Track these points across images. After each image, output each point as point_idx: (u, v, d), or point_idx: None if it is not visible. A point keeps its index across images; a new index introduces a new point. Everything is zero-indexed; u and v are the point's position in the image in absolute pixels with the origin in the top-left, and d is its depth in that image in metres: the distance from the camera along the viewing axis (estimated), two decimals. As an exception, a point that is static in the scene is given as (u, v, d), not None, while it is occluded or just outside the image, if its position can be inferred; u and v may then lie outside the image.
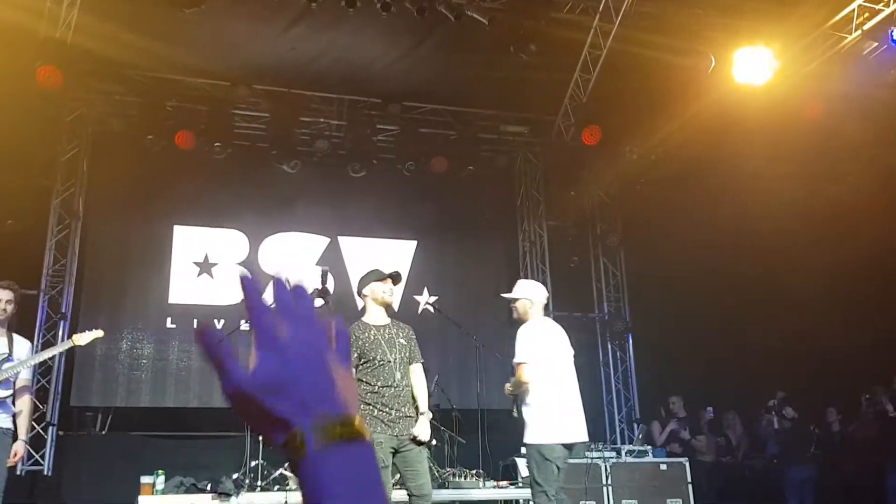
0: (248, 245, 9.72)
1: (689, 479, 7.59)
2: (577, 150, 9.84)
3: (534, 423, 4.90)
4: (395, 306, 9.79)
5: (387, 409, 4.59)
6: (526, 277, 10.68)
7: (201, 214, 9.63)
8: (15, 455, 5.02)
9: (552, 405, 4.89)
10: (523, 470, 7.15)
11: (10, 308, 5.18)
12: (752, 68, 8.50)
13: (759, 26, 8.37)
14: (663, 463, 7.74)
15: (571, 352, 5.23)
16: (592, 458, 7.50)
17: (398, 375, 4.68)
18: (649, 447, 8.05)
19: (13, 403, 5.09)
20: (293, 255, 9.75)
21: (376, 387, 4.62)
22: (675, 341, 9.55)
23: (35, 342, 8.52)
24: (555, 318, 10.28)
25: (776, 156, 9.72)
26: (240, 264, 9.61)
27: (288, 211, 9.81)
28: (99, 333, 5.59)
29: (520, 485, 6.76)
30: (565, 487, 7.11)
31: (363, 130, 9.73)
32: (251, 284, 0.75)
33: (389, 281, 4.86)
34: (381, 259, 10.01)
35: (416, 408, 4.77)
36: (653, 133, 9.80)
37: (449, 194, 10.15)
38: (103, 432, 8.77)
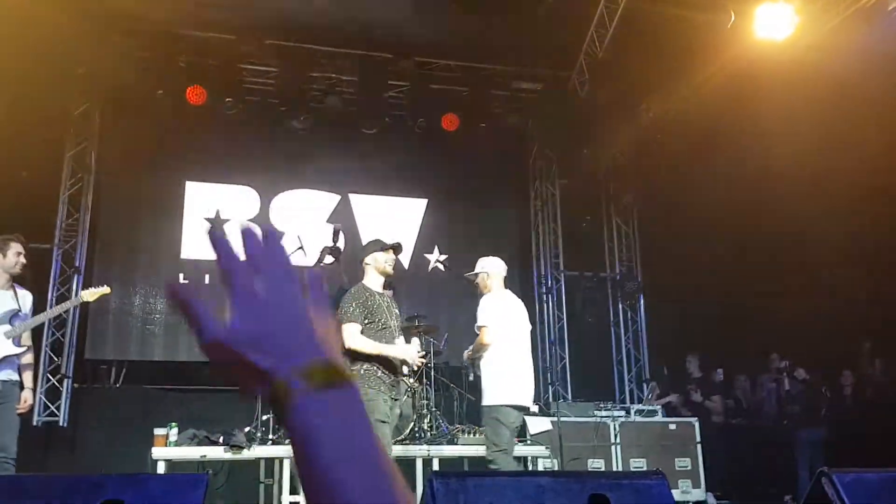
0: (259, 201, 9.70)
1: (699, 439, 7.62)
2: (592, 108, 9.69)
3: (490, 386, 5.23)
4: (406, 264, 9.86)
5: (387, 373, 4.85)
6: (538, 236, 10.67)
7: (213, 170, 9.62)
8: (25, 402, 5.17)
9: (506, 370, 5.22)
10: (532, 427, 7.20)
11: (23, 261, 5.24)
12: (773, 24, 8.31)
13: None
14: (672, 423, 7.77)
15: (529, 326, 5.65)
16: (601, 417, 7.54)
17: (399, 342, 4.97)
18: (659, 407, 8.07)
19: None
20: (304, 212, 9.73)
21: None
22: (687, 302, 9.51)
23: (49, 295, 8.62)
24: (566, 278, 10.44)
25: (796, 114, 9.55)
26: (251, 220, 9.55)
27: (299, 168, 9.78)
28: (105, 290, 5.69)
29: (528, 442, 6.80)
30: (573, 445, 7.22)
31: (374, 87, 9.60)
32: (220, 238, 0.75)
33: (392, 251, 5.01)
34: (392, 217, 10.02)
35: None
36: (670, 91, 9.63)
37: (460, 152, 10.05)
38: (117, 385, 8.89)
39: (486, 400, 5.23)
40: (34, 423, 8.35)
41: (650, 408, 8.08)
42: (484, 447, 6.38)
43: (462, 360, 5.57)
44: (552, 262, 10.49)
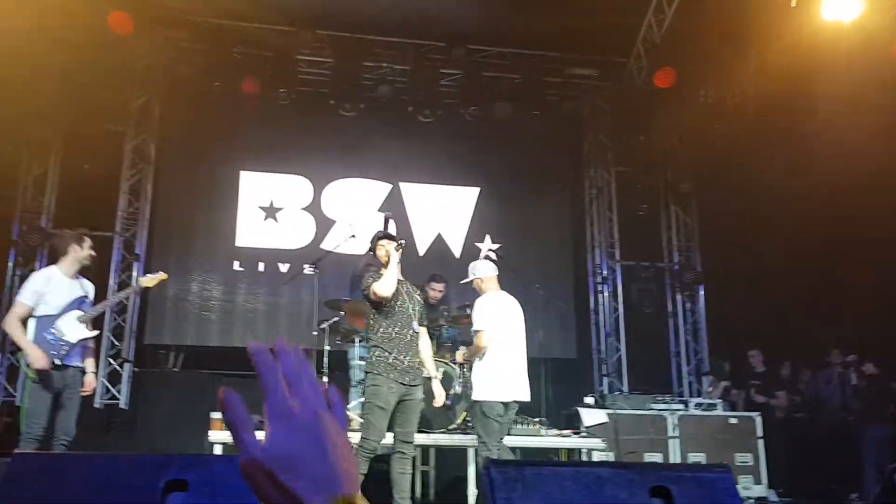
0: (312, 190, 9.76)
1: (760, 434, 7.40)
2: (649, 94, 9.47)
3: (478, 382, 5.39)
4: (457, 253, 9.82)
5: (400, 358, 4.89)
6: (592, 225, 10.49)
7: (267, 160, 9.71)
8: (89, 385, 5.38)
9: (495, 367, 5.40)
10: (586, 419, 7.10)
11: (93, 254, 5.54)
12: (840, 4, 7.99)
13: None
14: (733, 417, 7.57)
15: (523, 325, 5.78)
16: (659, 410, 7.38)
17: (415, 325, 5.00)
18: (719, 400, 7.86)
19: None
20: (356, 201, 9.75)
21: (394, 332, 4.93)
22: (748, 293, 9.25)
23: (110, 282, 8.83)
24: (621, 268, 10.24)
25: (863, 98, 9.19)
26: (304, 209, 9.68)
27: (351, 157, 9.80)
28: (163, 276, 5.84)
29: (583, 434, 6.70)
30: (629, 438, 7.09)
31: (426, 75, 9.56)
32: (261, 354, 0.78)
33: (393, 243, 5.08)
34: (443, 205, 9.98)
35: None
36: (730, 76, 9.36)
37: (513, 140, 9.95)
38: (175, 369, 9.07)
39: (474, 395, 5.39)
40: (95, 405, 8.58)
41: (710, 401, 7.88)
42: (530, 437, 6.35)
43: (453, 361, 5.69)
44: (607, 252, 10.31)
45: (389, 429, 4.99)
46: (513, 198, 10.20)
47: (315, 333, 6.65)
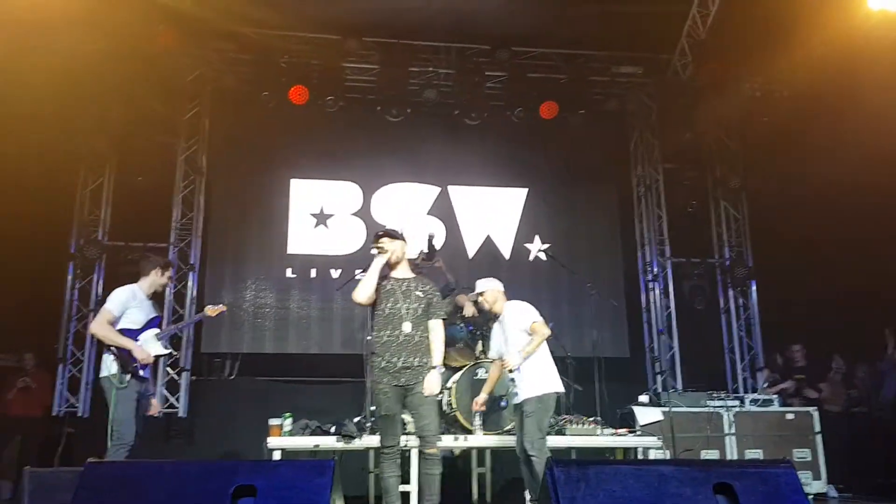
0: (362, 196, 9.88)
1: (818, 429, 7.27)
2: (695, 90, 9.38)
3: (536, 377, 5.47)
4: (507, 254, 9.85)
5: (393, 361, 4.84)
6: (642, 223, 10.41)
7: (316, 167, 9.87)
8: (155, 408, 5.95)
9: (547, 361, 5.60)
10: (641, 418, 7.07)
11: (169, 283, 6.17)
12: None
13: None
14: (790, 412, 7.45)
15: None
16: (714, 407, 7.31)
17: (407, 327, 4.87)
18: (775, 396, 7.74)
19: None
20: (405, 206, 9.84)
21: (384, 337, 4.88)
22: (802, 288, 9.08)
23: (167, 293, 9.06)
24: (672, 265, 10.15)
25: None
26: (354, 215, 9.80)
27: (399, 161, 9.90)
28: (223, 308, 6.32)
29: (638, 433, 6.67)
30: (685, 436, 7.03)
31: (471, 78, 9.60)
32: None
33: (380, 240, 5.07)
34: (492, 207, 10.02)
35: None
36: (777, 69, 9.21)
37: (559, 140, 9.93)
38: (231, 377, 9.26)
39: (536, 390, 5.41)
40: (155, 415, 8.80)
41: (765, 397, 7.77)
42: (586, 437, 6.34)
43: (512, 363, 5.50)
44: (657, 249, 10.22)
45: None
46: (561, 198, 10.20)
47: (368, 339, 6.73)
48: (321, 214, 9.78)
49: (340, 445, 6.09)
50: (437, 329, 5.02)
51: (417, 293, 4.97)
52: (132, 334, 5.54)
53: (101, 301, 8.85)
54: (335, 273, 9.54)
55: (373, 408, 6.11)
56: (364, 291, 4.91)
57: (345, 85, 9.56)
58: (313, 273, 9.63)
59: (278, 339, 9.41)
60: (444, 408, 6.63)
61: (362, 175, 9.88)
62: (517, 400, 5.52)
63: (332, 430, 6.26)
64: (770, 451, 7.12)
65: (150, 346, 5.62)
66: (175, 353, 9.07)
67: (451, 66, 9.61)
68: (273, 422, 6.22)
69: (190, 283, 9.31)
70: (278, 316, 9.43)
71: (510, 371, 5.51)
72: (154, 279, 5.89)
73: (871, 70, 8.32)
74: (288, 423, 6.24)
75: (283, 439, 6.10)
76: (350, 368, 7.45)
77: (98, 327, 5.54)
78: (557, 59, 9.65)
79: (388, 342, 4.87)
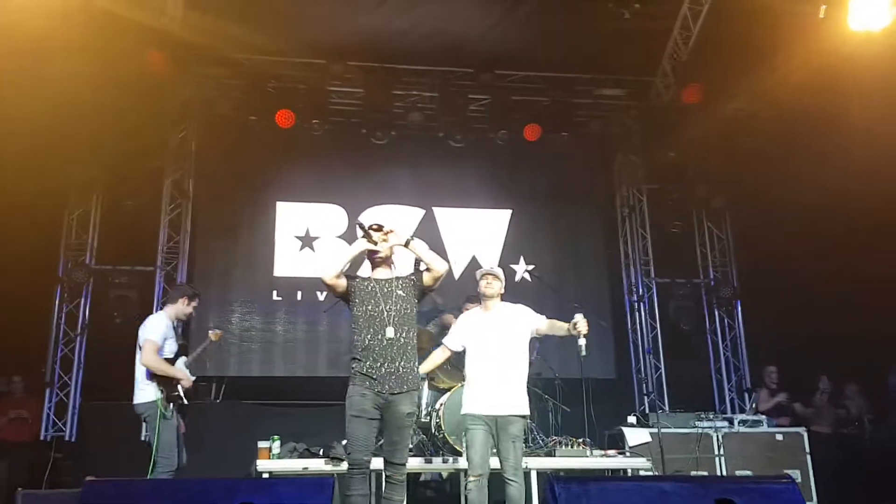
0: (347, 219, 9.88)
1: (808, 450, 7.30)
2: (677, 111, 9.49)
3: (525, 393, 5.11)
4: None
5: (376, 366, 4.42)
6: (626, 244, 10.48)
7: (302, 190, 9.88)
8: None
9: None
10: (630, 439, 7.06)
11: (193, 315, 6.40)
12: (869, 14, 7.97)
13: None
14: (779, 433, 7.47)
15: None
16: (703, 428, 7.31)
17: (390, 332, 4.44)
18: (763, 417, 7.77)
19: None
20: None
21: (366, 340, 4.46)
22: (788, 307, 9.15)
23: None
24: (657, 286, 10.21)
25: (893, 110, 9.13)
26: (339, 237, 9.79)
27: (384, 184, 9.93)
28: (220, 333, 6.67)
29: (627, 454, 6.66)
30: (675, 457, 7.03)
31: (456, 101, 9.68)
32: None
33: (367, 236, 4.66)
34: (476, 229, 10.05)
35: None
36: (758, 89, 9.35)
37: (543, 162, 10.02)
38: (218, 401, 9.15)
39: (525, 408, 5.05)
40: (143, 438, 8.68)
41: (754, 418, 7.78)
42: (576, 458, 6.31)
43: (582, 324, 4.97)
44: (642, 270, 10.29)
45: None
46: (545, 219, 10.25)
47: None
48: (307, 237, 9.78)
49: (329, 468, 6.04)
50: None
51: (399, 293, 4.56)
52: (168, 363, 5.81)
53: (88, 324, 8.84)
54: (321, 296, 9.50)
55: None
56: (332, 268, 4.52)
57: (330, 108, 9.60)
58: (299, 296, 9.60)
59: (264, 363, 9.36)
60: (433, 430, 6.59)
61: (347, 197, 9.89)
62: (493, 412, 4.93)
63: (321, 452, 6.21)
64: (760, 472, 7.07)
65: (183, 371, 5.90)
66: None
67: (436, 89, 9.68)
68: (262, 444, 6.17)
69: (177, 307, 9.23)
70: (264, 339, 9.38)
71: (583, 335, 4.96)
72: (180, 308, 6.09)
73: (853, 90, 8.46)
74: (276, 446, 6.20)
75: (272, 462, 6.05)
76: (337, 391, 7.34)
77: (151, 359, 5.72)
78: (540, 81, 9.75)
79: (370, 346, 4.45)
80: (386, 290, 4.56)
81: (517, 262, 10.05)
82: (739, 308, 10.18)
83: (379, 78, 9.46)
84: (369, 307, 4.50)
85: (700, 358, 10.01)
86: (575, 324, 4.94)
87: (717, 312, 10.23)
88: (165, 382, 5.70)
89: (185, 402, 5.89)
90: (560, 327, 5.14)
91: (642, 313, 10.12)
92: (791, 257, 9.04)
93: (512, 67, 9.57)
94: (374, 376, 4.39)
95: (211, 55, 8.86)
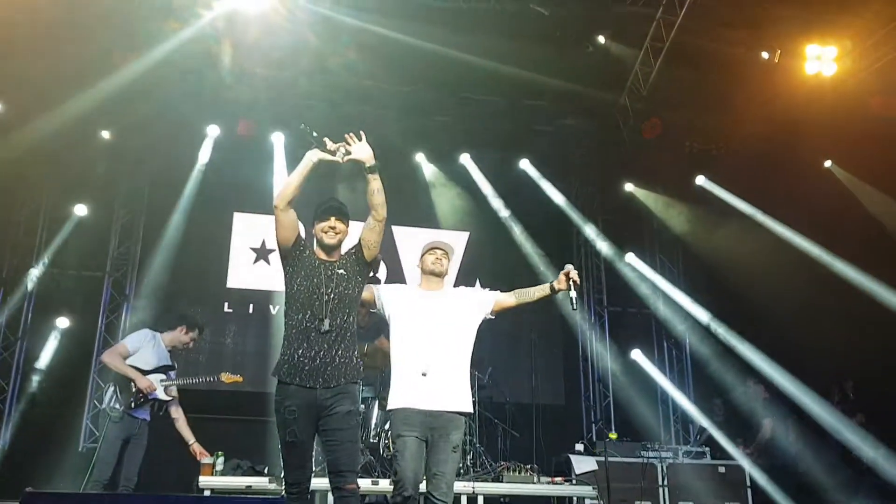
0: (304, 233, 9.76)
1: (749, 483, 7.44)
2: (636, 144, 9.69)
3: (468, 386, 4.24)
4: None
5: (309, 354, 3.75)
6: (581, 271, 10.55)
7: (260, 202, 9.73)
8: (202, 454, 6.13)
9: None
10: (577, 467, 7.12)
11: (191, 346, 6.53)
12: (821, 62, 8.30)
13: (829, 20, 8.14)
14: (722, 465, 7.60)
15: None
16: (648, 458, 7.40)
17: (329, 322, 3.79)
18: (707, 448, 7.90)
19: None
20: (348, 242, 9.77)
21: (302, 322, 3.79)
22: (738, 338, 9.35)
23: (99, 322, 8.79)
24: (609, 314, 10.33)
25: (843, 153, 9.48)
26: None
27: (344, 199, 9.85)
28: (239, 378, 6.56)
29: (574, 482, 6.71)
30: (620, 486, 7.09)
31: (419, 120, 9.70)
32: None
33: (332, 219, 4.10)
34: (435, 250, 10.04)
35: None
36: (714, 127, 9.62)
37: (502, 186, 10.11)
38: (161, 413, 8.92)
39: (468, 405, 4.20)
40: (80, 449, 8.47)
41: (698, 449, 7.92)
42: (523, 484, 6.32)
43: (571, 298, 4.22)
44: (595, 298, 10.42)
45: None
46: (502, 243, 10.31)
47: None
48: (262, 249, 9.69)
49: (273, 487, 5.96)
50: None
51: (340, 272, 3.95)
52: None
53: (31, 330, 8.61)
54: (273, 309, 9.40)
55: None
56: (283, 190, 3.98)
57: (294, 121, 9.52)
58: (251, 308, 9.49)
59: (211, 375, 9.16)
60: (381, 451, 6.55)
61: (306, 212, 9.76)
62: (428, 406, 4.04)
63: (266, 470, 6.13)
64: (703, 504, 7.24)
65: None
66: (103, 385, 8.80)
67: (401, 108, 9.69)
68: (205, 461, 6.06)
69: (124, 315, 9.04)
70: (213, 351, 9.22)
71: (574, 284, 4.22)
72: (177, 335, 6.22)
73: (803, 132, 8.78)
74: (220, 462, 6.10)
75: (215, 479, 5.97)
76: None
77: (108, 355, 5.93)
78: (502, 106, 9.83)
79: (305, 329, 3.78)
80: (329, 273, 3.94)
81: (473, 285, 10.05)
82: (688, 340, 10.34)
83: (345, 91, 9.42)
84: (309, 284, 3.87)
85: (648, 387, 10.14)
86: (567, 273, 4.22)
87: (665, 343, 10.40)
88: (123, 386, 5.78)
89: (133, 404, 5.82)
90: (533, 293, 4.38)
91: (593, 341, 10.23)
92: (738, 293, 9.23)
93: (475, 92, 9.62)
94: (305, 369, 3.72)
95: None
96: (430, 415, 4.02)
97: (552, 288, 4.29)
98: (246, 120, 9.10)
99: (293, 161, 9.32)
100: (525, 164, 10.23)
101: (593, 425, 9.73)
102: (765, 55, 8.45)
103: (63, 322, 8.65)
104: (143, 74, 7.93)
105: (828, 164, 9.87)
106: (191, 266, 9.39)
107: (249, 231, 9.69)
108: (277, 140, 9.48)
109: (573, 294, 4.23)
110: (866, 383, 8.47)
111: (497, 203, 10.26)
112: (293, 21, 7.70)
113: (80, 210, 9.01)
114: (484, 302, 4.39)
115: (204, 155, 9.35)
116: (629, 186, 10.51)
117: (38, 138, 8.42)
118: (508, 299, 4.41)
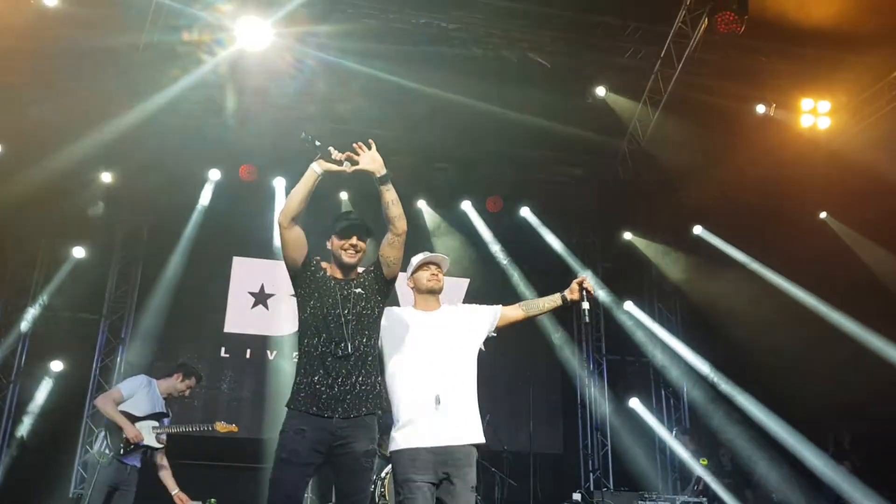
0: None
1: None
2: (634, 193, 9.78)
3: (477, 414, 3.78)
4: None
5: (327, 381, 3.41)
6: (578, 318, 10.58)
7: (260, 245, 9.76)
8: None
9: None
10: (576, 517, 7.02)
11: (187, 394, 6.45)
12: (815, 116, 8.45)
13: (823, 75, 8.31)
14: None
15: None
16: (647, 508, 7.32)
17: (348, 346, 3.46)
18: (704, 499, 7.81)
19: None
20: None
21: (319, 347, 3.48)
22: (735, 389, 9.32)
23: (94, 366, 8.73)
24: (607, 362, 10.29)
25: (838, 205, 9.59)
26: (293, 296, 9.67)
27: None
28: (234, 428, 6.45)
29: (572, 532, 6.61)
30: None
31: (419, 168, 9.79)
32: None
33: (354, 238, 3.73)
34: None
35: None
36: (712, 178, 9.71)
37: (503, 232, 10.15)
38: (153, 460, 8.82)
39: (480, 435, 3.72)
40: (70, 495, 8.33)
41: (695, 500, 7.82)
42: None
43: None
44: (594, 346, 10.40)
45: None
46: (500, 289, 10.30)
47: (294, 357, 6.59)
48: (261, 293, 9.67)
49: (269, 536, 5.84)
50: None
51: (357, 290, 3.61)
52: (131, 419, 5.78)
53: (24, 373, 8.55)
54: (271, 355, 9.35)
55: (307, 495, 5.93)
56: (287, 206, 3.63)
57: (295, 166, 9.58)
58: (248, 353, 9.43)
59: (205, 421, 9.01)
60: (376, 500, 6.45)
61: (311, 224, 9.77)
62: (441, 442, 3.55)
63: (261, 518, 6.02)
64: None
65: (143, 432, 5.80)
66: (95, 429, 8.71)
67: (404, 154, 9.78)
68: (201, 509, 5.99)
69: (119, 359, 8.99)
70: (209, 396, 9.15)
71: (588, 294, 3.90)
72: (173, 383, 6.21)
73: (797, 185, 8.88)
74: (213, 511, 6.01)
75: (208, 528, 5.84)
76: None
77: (101, 400, 5.86)
78: (504, 155, 9.94)
79: (322, 354, 3.47)
80: (346, 292, 3.60)
81: (472, 332, 10.04)
82: (685, 388, 10.30)
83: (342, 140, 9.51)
84: (325, 306, 3.54)
85: (646, 436, 10.05)
86: (581, 282, 3.92)
87: (664, 392, 10.34)
88: (115, 433, 5.72)
89: (122, 451, 5.74)
90: (542, 305, 4.09)
91: (592, 389, 10.17)
92: (737, 341, 9.24)
93: (476, 140, 9.74)
94: (322, 397, 3.39)
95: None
96: (444, 452, 3.53)
97: (563, 299, 3.98)
98: (248, 164, 9.13)
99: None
100: (525, 212, 10.30)
101: (591, 474, 9.62)
102: (761, 108, 8.59)
103: (57, 365, 8.60)
104: (145, 119, 8.03)
105: (823, 215, 9.97)
106: (188, 310, 9.36)
107: (248, 275, 9.69)
108: (279, 184, 9.52)
109: (586, 305, 3.89)
110: (858, 431, 8.47)
111: (497, 249, 10.29)
112: (299, 67, 7.82)
113: (79, 252, 9.00)
114: (488, 317, 4.03)
115: (204, 198, 9.37)
116: (628, 235, 10.57)
117: (38, 180, 8.48)
118: (515, 312, 4.08)
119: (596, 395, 10.15)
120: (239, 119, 8.72)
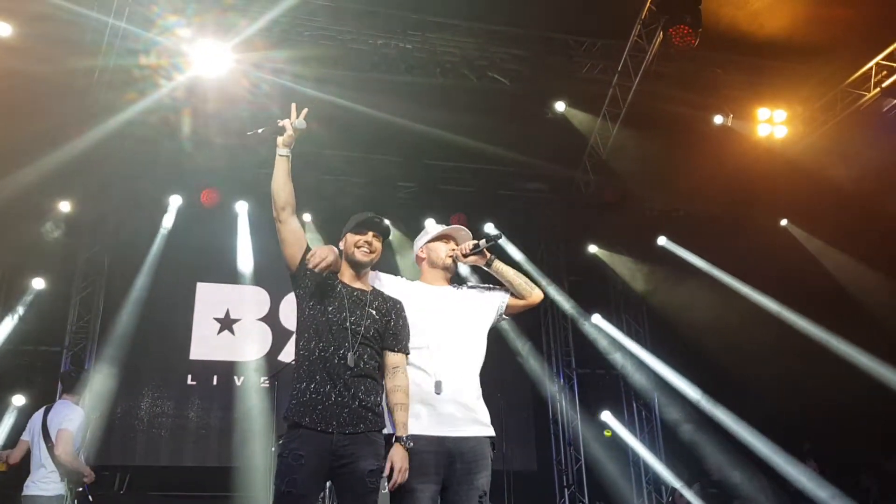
0: (270, 301, 9.71)
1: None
2: (597, 206, 9.83)
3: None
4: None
5: (325, 390, 3.08)
6: (548, 334, 10.58)
7: (224, 272, 9.63)
8: None
9: None
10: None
11: None
12: (772, 125, 8.60)
13: (778, 84, 8.47)
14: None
15: None
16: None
17: (348, 356, 3.12)
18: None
19: None
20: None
21: (316, 351, 3.15)
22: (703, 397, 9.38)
23: (57, 397, 8.48)
24: (578, 375, 10.29)
25: (798, 212, 9.75)
26: (260, 320, 9.59)
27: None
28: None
29: (548, 548, 6.57)
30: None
31: (384, 187, 9.77)
32: None
33: (370, 233, 3.43)
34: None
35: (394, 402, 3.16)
36: (674, 189, 9.82)
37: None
38: (121, 492, 8.63)
39: (490, 429, 3.33)
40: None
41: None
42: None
43: None
44: (564, 360, 10.40)
45: None
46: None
47: (273, 449, 6.48)
48: (226, 319, 9.54)
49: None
50: (400, 372, 3.22)
51: (371, 310, 3.27)
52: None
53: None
54: (238, 381, 9.21)
55: None
56: (277, 198, 3.39)
57: (257, 189, 9.52)
58: (215, 380, 9.28)
59: (175, 452, 8.91)
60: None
61: (271, 280, 9.72)
62: (444, 432, 3.13)
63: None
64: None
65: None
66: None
67: (363, 175, 9.76)
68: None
69: (84, 390, 8.74)
70: (176, 425, 8.98)
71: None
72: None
73: (762, 192, 9.02)
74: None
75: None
76: (252, 482, 7.12)
77: (68, 451, 5.26)
78: (467, 173, 9.96)
79: (319, 360, 3.13)
80: (355, 296, 3.31)
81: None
82: (656, 400, 10.34)
83: (307, 162, 9.47)
84: (330, 309, 3.22)
85: (619, 449, 10.06)
86: (461, 251, 3.62)
87: (635, 404, 10.37)
88: (72, 477, 5.33)
89: (90, 500, 5.51)
90: (507, 279, 3.69)
91: (563, 404, 10.16)
92: (706, 350, 9.31)
93: (440, 158, 9.75)
94: (318, 407, 3.05)
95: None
96: (450, 443, 3.11)
97: (488, 264, 3.65)
98: (209, 189, 9.03)
99: (257, 230, 9.41)
100: (489, 228, 10.30)
101: (566, 490, 9.59)
102: (718, 119, 8.72)
103: (19, 399, 8.38)
104: (99, 144, 7.85)
105: (784, 222, 10.13)
106: (153, 338, 9.19)
107: (213, 301, 9.56)
108: (241, 208, 9.44)
109: (483, 242, 3.59)
110: (820, 432, 8.58)
111: (461, 268, 10.25)
112: (254, 92, 7.77)
113: (38, 283, 8.80)
114: (497, 300, 3.62)
115: (165, 225, 9.25)
116: (593, 248, 10.63)
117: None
118: (514, 299, 3.67)
119: (567, 409, 10.14)
120: (195, 143, 8.60)
